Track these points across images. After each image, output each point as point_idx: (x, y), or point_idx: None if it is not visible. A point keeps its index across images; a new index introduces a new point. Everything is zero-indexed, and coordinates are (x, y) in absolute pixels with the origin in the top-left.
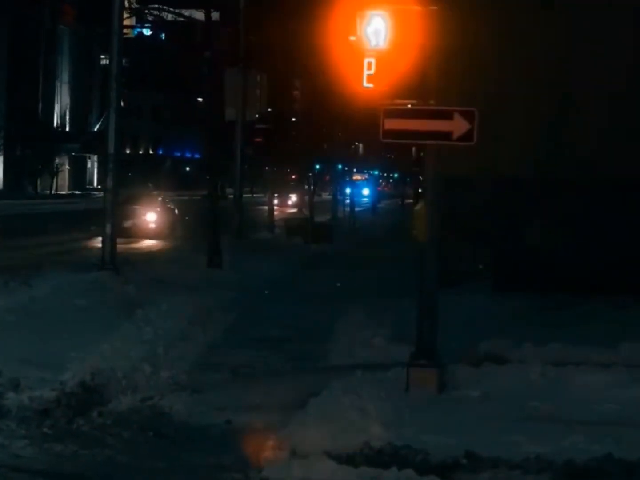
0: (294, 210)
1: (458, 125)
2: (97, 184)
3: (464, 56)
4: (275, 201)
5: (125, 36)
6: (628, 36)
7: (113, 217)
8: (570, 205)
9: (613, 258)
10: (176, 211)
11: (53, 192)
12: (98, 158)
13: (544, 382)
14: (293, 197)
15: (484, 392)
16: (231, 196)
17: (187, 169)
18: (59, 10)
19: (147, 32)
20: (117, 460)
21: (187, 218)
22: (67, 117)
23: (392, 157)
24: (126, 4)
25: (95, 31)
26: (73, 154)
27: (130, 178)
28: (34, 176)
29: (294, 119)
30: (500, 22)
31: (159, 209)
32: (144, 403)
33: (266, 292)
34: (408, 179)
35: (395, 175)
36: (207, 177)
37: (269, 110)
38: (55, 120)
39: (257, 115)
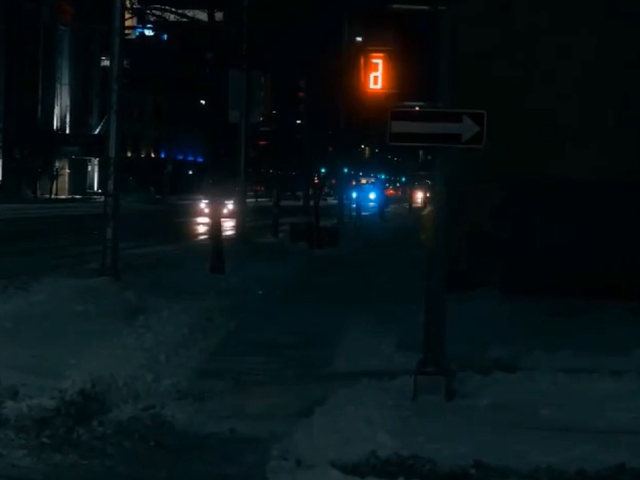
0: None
1: (467, 128)
2: (98, 188)
3: (474, 58)
4: (204, 207)
5: (126, 37)
6: None
7: (114, 221)
8: (582, 207)
9: (627, 262)
10: None
11: (53, 196)
12: (99, 161)
13: (555, 390)
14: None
15: (494, 400)
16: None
17: (190, 172)
18: (58, 9)
19: (148, 32)
20: (117, 471)
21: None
22: (67, 119)
23: (399, 160)
24: (127, 4)
25: (95, 32)
26: (73, 157)
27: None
28: (33, 180)
29: (298, 121)
30: (511, 22)
31: None
32: (145, 412)
33: (277, 292)
34: (416, 183)
35: (403, 178)
36: (210, 181)
37: (273, 112)
38: (55, 123)
39: (261, 118)
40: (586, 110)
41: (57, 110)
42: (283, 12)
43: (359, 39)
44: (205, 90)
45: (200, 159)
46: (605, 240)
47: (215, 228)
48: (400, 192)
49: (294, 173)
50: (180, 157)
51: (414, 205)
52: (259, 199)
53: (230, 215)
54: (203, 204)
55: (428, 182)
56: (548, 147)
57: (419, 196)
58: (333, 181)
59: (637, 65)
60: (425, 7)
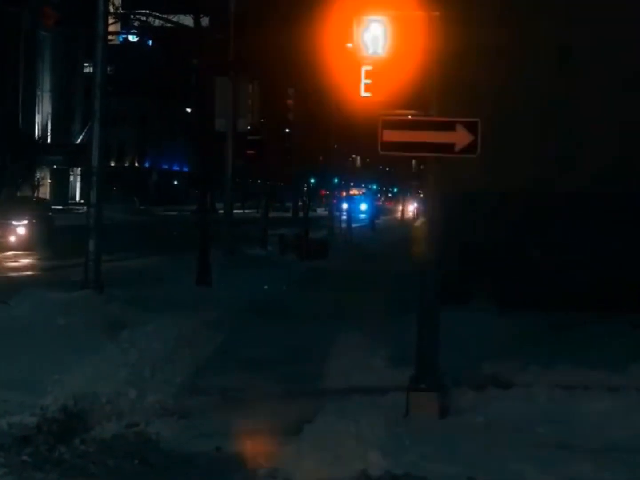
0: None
1: (461, 137)
2: (80, 199)
3: (467, 65)
4: None
5: (110, 42)
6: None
7: (97, 233)
8: (580, 219)
9: (628, 275)
10: None
11: None
12: (81, 171)
13: (551, 407)
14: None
15: (488, 417)
16: (221, 211)
17: (175, 182)
18: (40, 14)
19: (133, 38)
20: None
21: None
22: (49, 128)
23: (391, 170)
24: (111, 9)
25: (78, 37)
26: (55, 166)
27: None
28: (14, 190)
29: (287, 130)
30: (506, 29)
31: None
32: (129, 429)
33: (265, 305)
34: (408, 193)
35: (395, 189)
36: (197, 191)
37: (262, 120)
38: (37, 131)
39: (248, 127)
40: (581, 122)
41: (38, 119)
42: (271, 17)
43: (349, 45)
44: (191, 97)
45: (186, 169)
46: (604, 252)
47: (201, 240)
48: (392, 203)
49: (282, 183)
50: (165, 167)
51: (405, 216)
52: (246, 210)
53: (22, 245)
54: None
55: (420, 193)
56: (541, 159)
57: (402, 207)
58: (323, 192)
59: (629, 80)
60: (419, 12)
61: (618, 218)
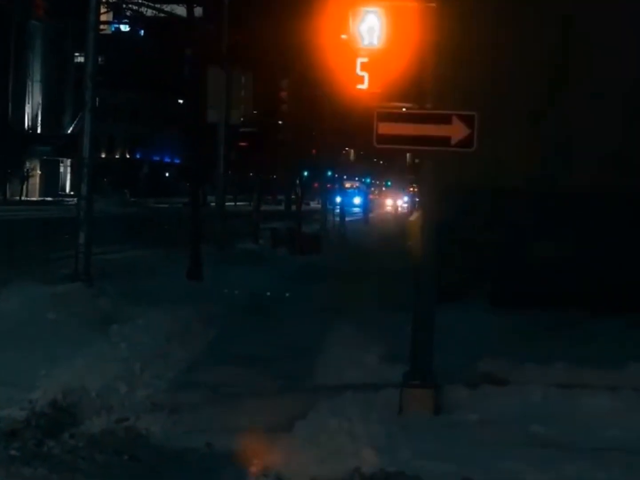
0: None
1: (457, 130)
2: (70, 190)
3: (464, 57)
4: None
5: (101, 32)
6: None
7: (87, 225)
8: (580, 219)
9: (626, 273)
10: None
11: (23, 198)
12: (71, 162)
13: (547, 406)
14: None
15: (483, 415)
16: (213, 204)
17: (167, 174)
18: (30, 3)
19: (125, 28)
20: None
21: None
22: (39, 119)
23: (385, 163)
24: None
25: (69, 27)
26: (45, 157)
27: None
28: (2, 181)
29: (280, 122)
30: (504, 20)
31: None
32: (118, 424)
33: (257, 301)
34: (403, 189)
35: (389, 183)
36: (188, 184)
37: (255, 112)
38: (26, 122)
39: (241, 118)
40: (586, 121)
41: (28, 109)
42: (265, 8)
43: (344, 37)
44: (183, 88)
45: (177, 161)
46: (603, 252)
47: (193, 233)
48: (382, 197)
49: (275, 176)
50: (157, 159)
51: (398, 210)
52: (238, 203)
53: None
54: None
55: (413, 187)
56: (540, 156)
57: (390, 202)
58: (316, 185)
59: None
60: (415, 3)
61: (618, 218)
